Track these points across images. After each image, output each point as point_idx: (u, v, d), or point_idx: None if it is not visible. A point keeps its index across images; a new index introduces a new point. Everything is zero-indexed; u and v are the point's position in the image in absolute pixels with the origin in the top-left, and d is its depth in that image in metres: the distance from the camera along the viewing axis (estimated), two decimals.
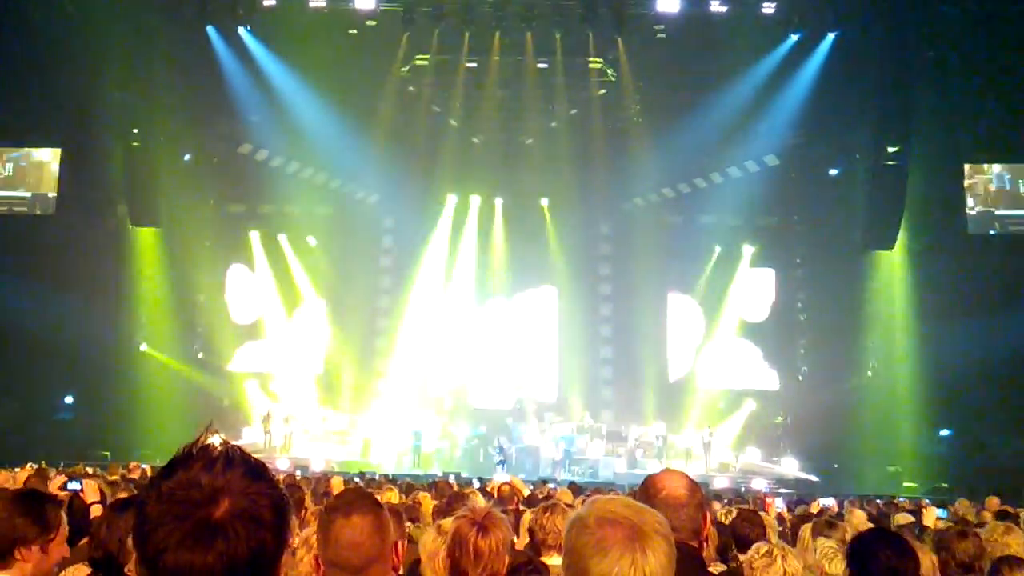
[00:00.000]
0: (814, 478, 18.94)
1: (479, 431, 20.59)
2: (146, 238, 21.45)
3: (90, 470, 7.03)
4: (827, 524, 4.81)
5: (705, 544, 3.75)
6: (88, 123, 19.81)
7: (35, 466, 9.55)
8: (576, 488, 9.07)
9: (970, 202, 19.88)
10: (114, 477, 8.40)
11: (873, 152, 20.00)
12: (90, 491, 4.63)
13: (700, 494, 2.42)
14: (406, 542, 2.34)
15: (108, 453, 15.47)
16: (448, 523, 2.62)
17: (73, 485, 4.78)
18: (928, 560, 3.09)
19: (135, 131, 20.06)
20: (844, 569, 3.42)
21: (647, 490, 2.35)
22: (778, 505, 8.96)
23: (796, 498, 12.52)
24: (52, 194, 20.54)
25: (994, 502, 8.11)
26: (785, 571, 3.39)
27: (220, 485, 1.14)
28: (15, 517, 2.67)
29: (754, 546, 3.63)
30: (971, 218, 19.84)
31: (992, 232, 19.81)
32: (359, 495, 2.10)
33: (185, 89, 20.30)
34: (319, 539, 2.02)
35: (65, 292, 18.10)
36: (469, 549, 2.32)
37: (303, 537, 2.57)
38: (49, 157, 20.81)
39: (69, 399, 20.46)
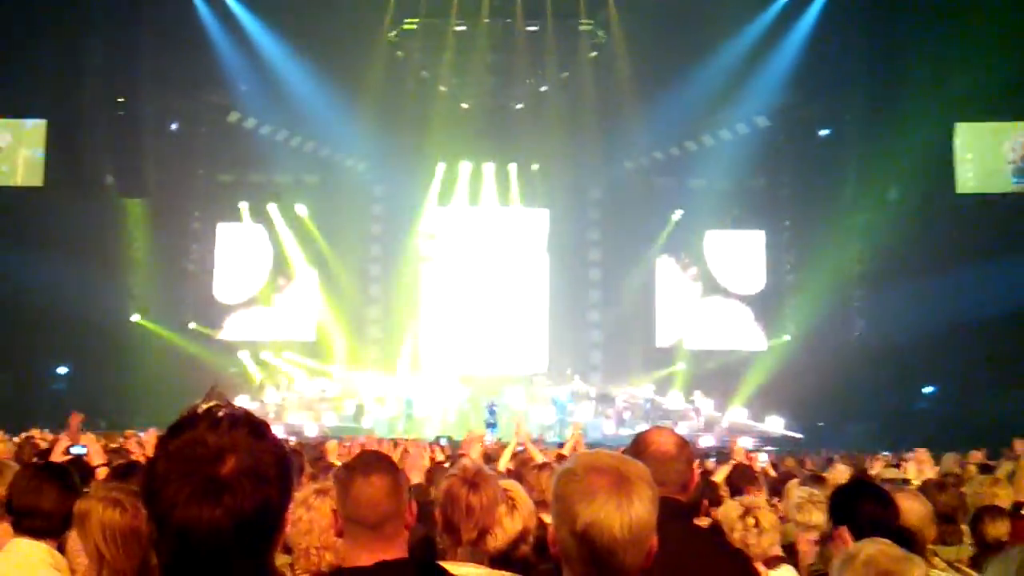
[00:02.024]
0: (799, 435, 19.20)
1: (470, 395, 20.72)
2: (135, 208, 21.33)
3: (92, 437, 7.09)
4: (813, 479, 4.92)
5: (703, 504, 3.80)
6: (74, 93, 19.57)
7: (26, 435, 9.62)
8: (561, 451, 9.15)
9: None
10: (114, 445, 8.48)
11: (863, 112, 19.97)
12: (95, 454, 4.70)
13: (688, 450, 2.46)
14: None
15: (103, 422, 15.53)
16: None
17: (77, 449, 4.82)
18: (923, 507, 3.17)
19: (121, 100, 19.83)
20: (824, 519, 3.51)
21: (636, 445, 2.40)
22: (761, 460, 9.07)
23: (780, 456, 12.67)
24: (40, 165, 20.37)
25: (977, 456, 8.30)
26: (769, 527, 3.44)
27: (226, 444, 1.19)
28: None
29: (729, 507, 3.65)
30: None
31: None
32: (377, 456, 2.18)
33: (171, 58, 20.01)
34: (338, 496, 2.11)
35: (56, 263, 18.04)
36: (461, 506, 2.39)
37: (300, 497, 2.64)
38: (35, 127, 20.59)
39: (63, 369, 20.50)
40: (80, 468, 4.48)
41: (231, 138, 22.23)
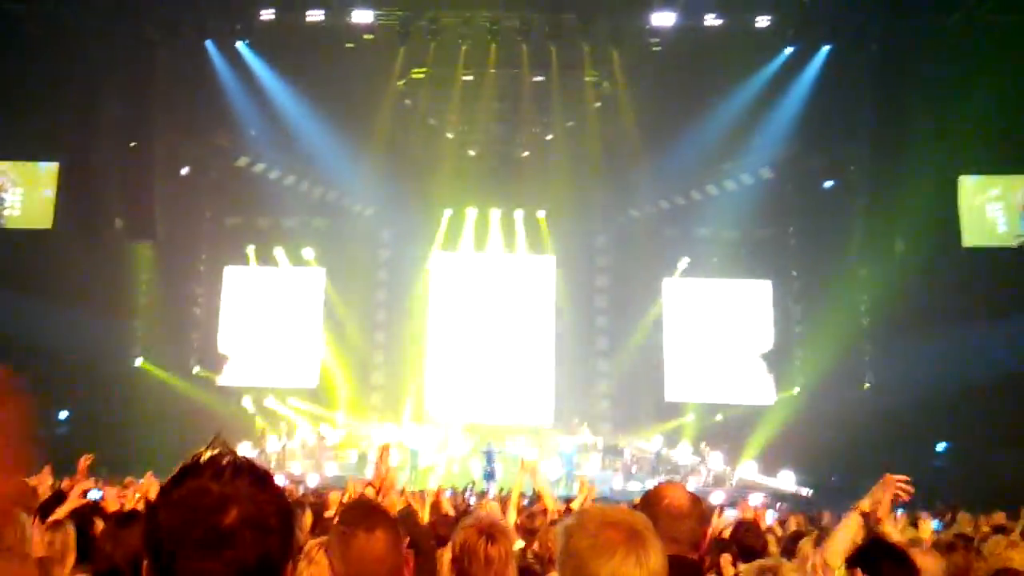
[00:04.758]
0: (810, 492, 18.88)
1: (474, 446, 20.45)
2: (142, 251, 21.42)
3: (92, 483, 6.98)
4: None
5: (706, 559, 3.73)
6: (86, 137, 19.80)
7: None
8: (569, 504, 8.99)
9: None
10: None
11: (868, 164, 20.10)
12: (111, 500, 4.67)
13: (701, 507, 2.44)
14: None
15: (104, 468, 15.38)
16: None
17: (93, 495, 4.81)
18: (935, 564, 3.10)
19: (133, 145, 20.07)
20: None
21: (649, 501, 2.36)
22: (769, 518, 8.92)
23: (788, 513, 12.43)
24: (49, 208, 20.55)
25: (998, 518, 8.09)
26: None
27: (229, 493, 1.18)
28: None
29: (754, 567, 3.58)
30: None
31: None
32: (373, 509, 2.13)
33: (183, 103, 20.34)
34: (338, 552, 2.04)
35: (61, 306, 18.03)
36: (480, 557, 2.37)
37: (304, 551, 2.59)
38: (47, 171, 20.82)
39: (64, 414, 20.35)
40: (98, 513, 4.44)
41: (240, 182, 22.43)
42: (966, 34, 18.37)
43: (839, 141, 20.75)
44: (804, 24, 19.35)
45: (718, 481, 19.61)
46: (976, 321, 17.45)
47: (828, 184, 22.05)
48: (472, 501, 11.21)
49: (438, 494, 8.03)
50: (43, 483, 7.25)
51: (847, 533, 3.13)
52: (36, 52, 18.57)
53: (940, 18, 18.55)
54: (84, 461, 5.86)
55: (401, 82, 21.07)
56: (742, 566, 3.92)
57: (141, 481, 8.25)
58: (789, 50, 19.68)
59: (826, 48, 19.60)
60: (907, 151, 19.08)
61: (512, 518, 5.32)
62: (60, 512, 4.32)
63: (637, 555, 1.52)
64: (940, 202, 19.69)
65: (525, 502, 10.09)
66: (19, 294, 18.04)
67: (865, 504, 3.28)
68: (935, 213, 19.34)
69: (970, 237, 19.94)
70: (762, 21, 19.19)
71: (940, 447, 19.33)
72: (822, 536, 5.16)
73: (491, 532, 2.45)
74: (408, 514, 3.24)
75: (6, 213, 20.94)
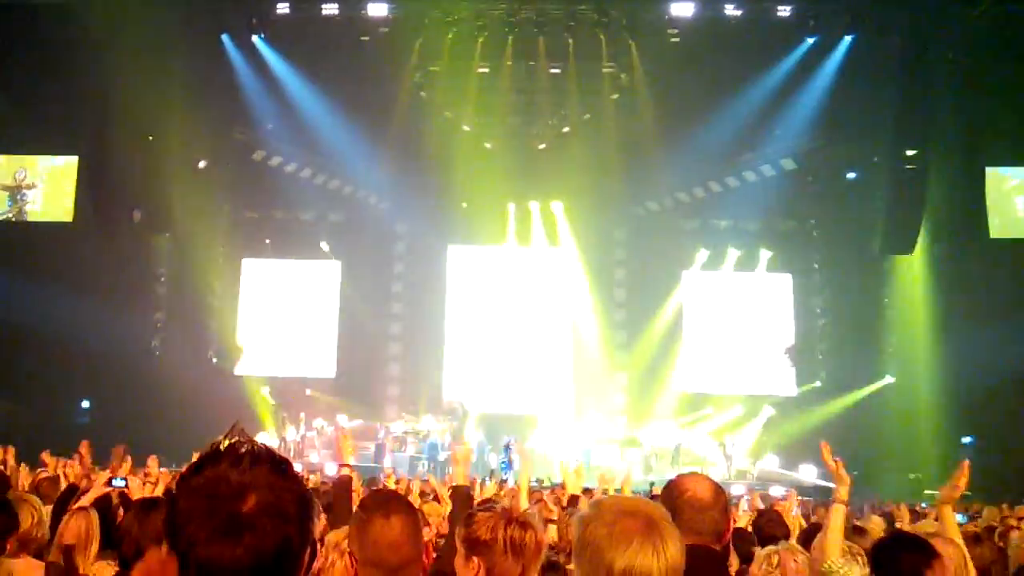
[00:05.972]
0: (833, 485, 18.71)
1: (492, 436, 20.47)
2: (161, 243, 21.61)
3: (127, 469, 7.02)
4: (855, 531, 4.75)
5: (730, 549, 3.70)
6: (105, 131, 19.97)
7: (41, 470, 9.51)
8: (590, 494, 8.95)
9: None
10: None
11: (892, 155, 19.82)
12: (136, 488, 4.72)
13: (724, 498, 2.40)
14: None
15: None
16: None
17: (118, 483, 4.86)
18: (959, 554, 3.07)
19: (151, 139, 20.19)
20: (864, 572, 3.38)
21: (671, 492, 2.31)
22: (793, 510, 8.80)
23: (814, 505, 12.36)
24: (69, 201, 20.78)
25: (1022, 510, 8.03)
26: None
27: (247, 481, 1.19)
28: None
29: (761, 554, 3.60)
30: None
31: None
32: (393, 497, 2.12)
33: (200, 97, 20.42)
34: (355, 539, 2.03)
35: (82, 298, 18.24)
36: (531, 547, 2.30)
37: (333, 541, 2.59)
38: (66, 165, 21.05)
39: (86, 404, 20.58)
40: (123, 500, 4.47)
41: (256, 176, 22.52)
42: (992, 24, 18.07)
43: (862, 132, 20.45)
44: (826, 14, 19.11)
45: (739, 473, 19.51)
46: (1002, 313, 17.21)
47: (851, 175, 21.77)
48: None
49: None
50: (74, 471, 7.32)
51: (837, 525, 3.16)
52: (54, 48, 18.74)
53: (965, 8, 18.25)
54: (84, 449, 5.89)
55: (417, 75, 21.04)
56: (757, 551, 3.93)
57: (149, 461, 8.34)
58: (811, 40, 19.43)
59: (848, 38, 19.34)
60: (932, 142, 18.81)
61: (523, 506, 5.27)
62: (85, 500, 4.35)
63: (654, 544, 1.51)
64: (966, 193, 19.43)
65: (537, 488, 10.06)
66: (41, 286, 18.27)
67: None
68: (961, 204, 19.09)
69: (997, 228, 19.66)
70: (783, 11, 18.98)
71: (965, 440, 19.13)
72: (855, 530, 5.10)
73: (523, 520, 2.38)
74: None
75: (28, 208, 21.22)
